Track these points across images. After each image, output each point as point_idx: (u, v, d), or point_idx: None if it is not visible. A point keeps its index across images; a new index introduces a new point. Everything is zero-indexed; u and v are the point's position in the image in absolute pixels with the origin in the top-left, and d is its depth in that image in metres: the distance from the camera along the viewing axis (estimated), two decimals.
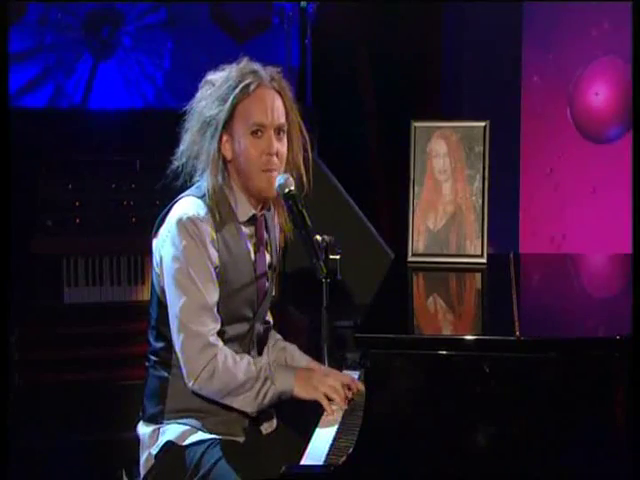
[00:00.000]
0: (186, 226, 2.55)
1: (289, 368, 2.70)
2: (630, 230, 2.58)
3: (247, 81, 2.58)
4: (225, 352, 2.56)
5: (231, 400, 2.57)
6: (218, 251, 2.59)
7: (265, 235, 2.74)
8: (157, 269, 2.63)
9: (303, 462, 2.35)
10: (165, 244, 2.58)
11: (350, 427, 2.47)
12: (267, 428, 2.74)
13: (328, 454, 2.37)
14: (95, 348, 4.29)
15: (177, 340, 2.56)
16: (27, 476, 3.94)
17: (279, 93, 2.63)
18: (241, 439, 2.65)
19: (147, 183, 4.39)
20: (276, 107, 2.61)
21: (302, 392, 2.58)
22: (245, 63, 2.63)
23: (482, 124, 3.22)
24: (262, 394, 2.56)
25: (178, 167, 2.65)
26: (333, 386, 2.59)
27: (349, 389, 2.62)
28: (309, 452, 2.40)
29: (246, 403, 2.57)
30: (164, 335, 2.64)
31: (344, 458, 2.26)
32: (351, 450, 2.26)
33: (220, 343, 2.57)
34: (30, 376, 4.20)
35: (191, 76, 2.70)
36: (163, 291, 2.62)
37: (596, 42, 4.90)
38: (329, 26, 5.11)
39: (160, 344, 2.66)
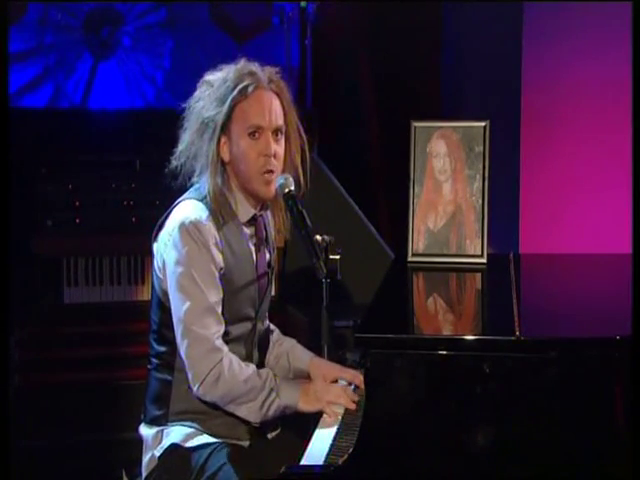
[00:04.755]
0: (189, 230, 2.54)
1: (294, 382, 2.69)
2: (630, 230, 2.58)
3: (245, 83, 2.58)
4: (230, 357, 2.55)
5: (235, 408, 2.56)
6: (222, 253, 2.59)
7: (264, 234, 2.74)
8: (159, 273, 2.63)
9: (303, 462, 2.35)
10: (167, 248, 2.58)
11: (350, 427, 2.48)
12: (272, 433, 2.74)
13: (328, 454, 2.38)
14: (95, 348, 4.29)
15: (182, 344, 2.55)
16: (28, 476, 3.94)
17: (277, 94, 2.63)
18: (246, 443, 2.65)
19: (147, 183, 4.39)
20: (274, 109, 2.60)
21: (306, 406, 2.59)
22: (243, 64, 2.63)
23: (482, 124, 3.23)
24: (267, 405, 2.56)
25: (177, 167, 2.65)
26: (337, 392, 2.60)
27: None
28: (309, 452, 2.40)
29: (250, 413, 2.57)
30: (167, 338, 2.63)
31: (344, 458, 2.26)
32: (351, 450, 2.26)
33: (225, 348, 2.56)
34: (30, 376, 4.19)
35: (191, 76, 2.70)
36: (165, 294, 2.61)
37: (596, 42, 4.88)
38: (329, 26, 5.11)
39: (163, 347, 2.66)
